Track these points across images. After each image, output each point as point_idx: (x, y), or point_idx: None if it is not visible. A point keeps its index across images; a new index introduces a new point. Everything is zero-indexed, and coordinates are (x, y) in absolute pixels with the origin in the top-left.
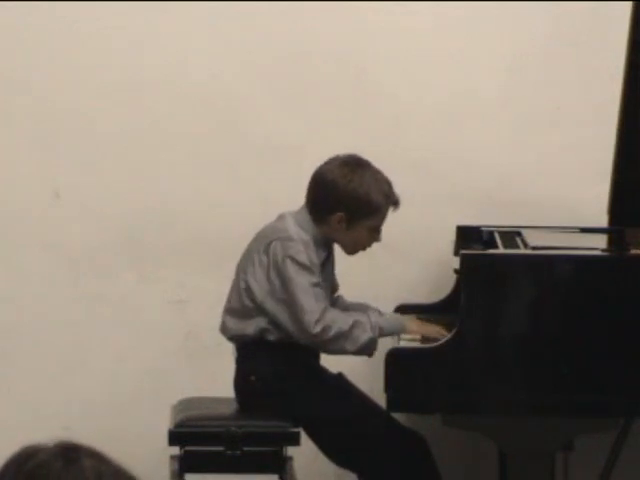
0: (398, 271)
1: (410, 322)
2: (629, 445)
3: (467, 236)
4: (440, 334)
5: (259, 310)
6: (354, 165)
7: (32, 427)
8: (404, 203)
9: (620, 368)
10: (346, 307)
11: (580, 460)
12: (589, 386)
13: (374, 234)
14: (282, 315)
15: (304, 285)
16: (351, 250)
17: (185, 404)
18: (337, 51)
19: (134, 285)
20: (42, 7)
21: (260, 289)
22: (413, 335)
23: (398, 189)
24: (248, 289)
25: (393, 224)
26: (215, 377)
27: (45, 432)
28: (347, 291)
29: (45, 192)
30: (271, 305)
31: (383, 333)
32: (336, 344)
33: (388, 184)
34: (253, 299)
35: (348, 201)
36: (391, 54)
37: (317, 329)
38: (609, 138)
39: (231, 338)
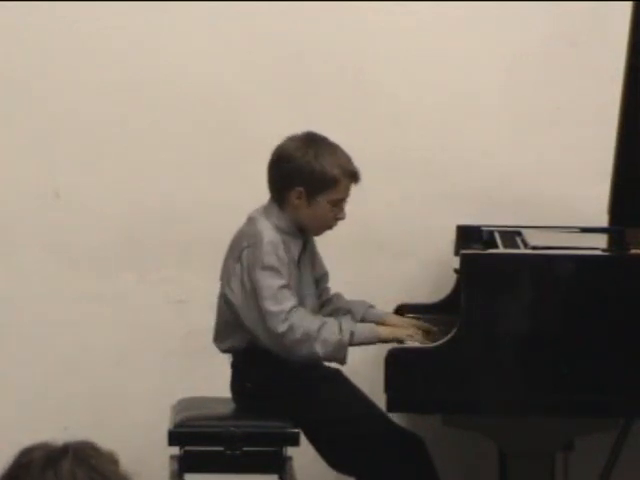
0: (398, 271)
1: (383, 329)
2: (629, 445)
3: (467, 236)
4: (412, 335)
5: (239, 320)
6: (309, 140)
7: (32, 427)
8: (404, 203)
9: (620, 368)
10: (346, 304)
11: (580, 460)
12: (589, 386)
13: (336, 210)
14: (256, 326)
15: (270, 289)
16: (316, 229)
17: (185, 404)
18: (337, 51)
19: (134, 285)
20: (42, 7)
21: (236, 298)
22: (389, 340)
23: (398, 189)
24: (227, 300)
25: (393, 224)
26: (215, 377)
27: (45, 432)
28: (347, 291)
29: (45, 192)
30: (244, 312)
31: (354, 338)
32: (304, 346)
33: (346, 157)
34: (233, 310)
35: (304, 174)
36: (391, 54)
37: (282, 328)
38: (609, 138)
39: (224, 352)
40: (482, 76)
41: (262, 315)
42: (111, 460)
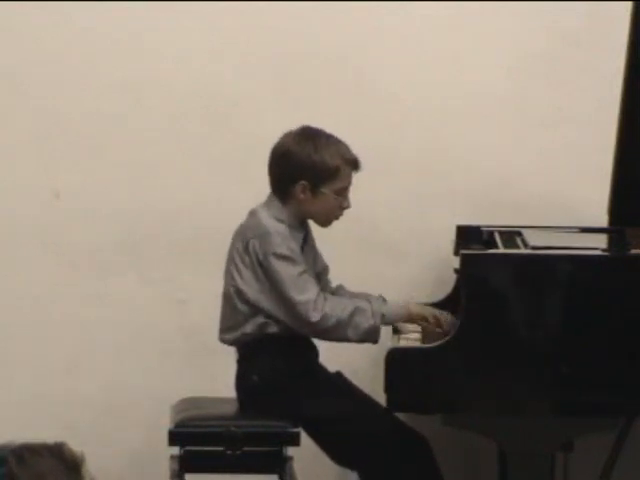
0: (398, 271)
1: (415, 306)
2: (629, 445)
3: (467, 236)
4: (442, 321)
5: (255, 310)
6: (306, 134)
7: (32, 427)
8: (404, 203)
9: (620, 368)
10: (349, 296)
11: (580, 460)
12: (589, 386)
13: (341, 200)
14: (279, 312)
15: (291, 277)
16: (323, 220)
17: (185, 404)
18: (337, 51)
19: (134, 285)
20: (41, 7)
21: (251, 289)
22: (419, 320)
23: (398, 189)
24: (239, 292)
25: (393, 224)
26: (215, 377)
27: (45, 432)
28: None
29: (45, 192)
30: (266, 303)
31: (386, 320)
32: (338, 332)
33: (344, 146)
34: (247, 301)
35: (306, 168)
36: (391, 54)
37: (315, 317)
38: (609, 138)
39: (232, 344)
40: (482, 76)
41: (289, 305)
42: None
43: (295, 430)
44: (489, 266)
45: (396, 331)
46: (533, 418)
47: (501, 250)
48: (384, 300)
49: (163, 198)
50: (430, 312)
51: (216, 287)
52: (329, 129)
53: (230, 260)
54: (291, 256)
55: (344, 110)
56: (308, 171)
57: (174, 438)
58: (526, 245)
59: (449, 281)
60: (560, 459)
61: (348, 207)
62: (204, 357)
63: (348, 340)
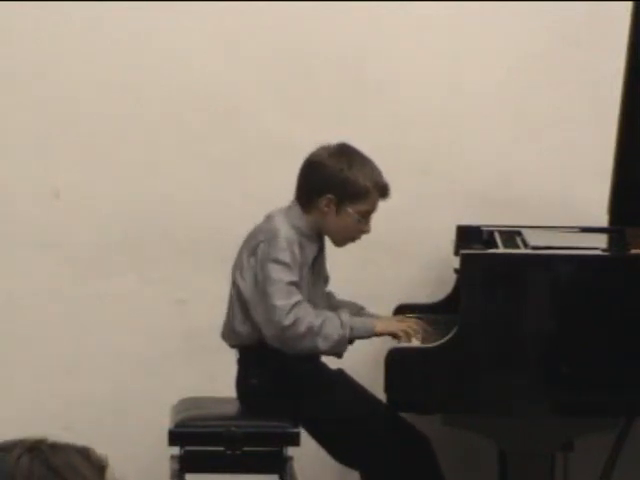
0: (398, 271)
1: (379, 322)
2: (629, 445)
3: (467, 236)
4: (406, 330)
5: (249, 314)
6: (344, 151)
7: (32, 427)
8: (404, 203)
9: (620, 368)
10: (336, 304)
11: (580, 460)
12: (589, 386)
13: (363, 223)
14: (258, 314)
15: (279, 282)
16: (340, 240)
17: (185, 404)
18: (337, 51)
19: (134, 285)
20: (40, 6)
21: (247, 290)
22: (384, 334)
23: (398, 189)
24: (239, 293)
25: (393, 224)
26: (215, 377)
27: (45, 432)
28: (346, 291)
29: (45, 192)
30: (253, 305)
31: (353, 333)
32: (308, 340)
33: (377, 172)
34: (243, 302)
35: (337, 183)
36: (391, 54)
37: (288, 321)
38: (609, 138)
39: (232, 346)
40: (482, 76)
41: (267, 308)
42: (88, 464)
43: (295, 430)
44: (489, 266)
45: None
46: (533, 418)
47: (501, 250)
48: (349, 314)
49: (163, 198)
50: (397, 327)
51: (216, 287)
52: (329, 129)
53: (238, 261)
54: (290, 264)
55: (344, 110)
56: (337, 186)
57: (174, 438)
58: (526, 245)
59: (449, 281)
60: (560, 459)
61: (367, 232)
62: (204, 357)
63: (317, 349)
